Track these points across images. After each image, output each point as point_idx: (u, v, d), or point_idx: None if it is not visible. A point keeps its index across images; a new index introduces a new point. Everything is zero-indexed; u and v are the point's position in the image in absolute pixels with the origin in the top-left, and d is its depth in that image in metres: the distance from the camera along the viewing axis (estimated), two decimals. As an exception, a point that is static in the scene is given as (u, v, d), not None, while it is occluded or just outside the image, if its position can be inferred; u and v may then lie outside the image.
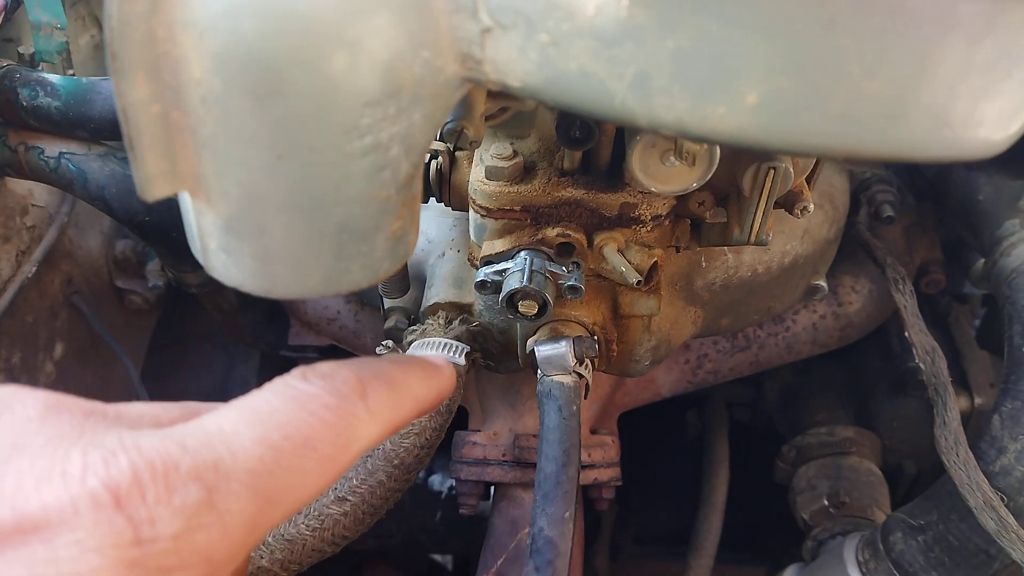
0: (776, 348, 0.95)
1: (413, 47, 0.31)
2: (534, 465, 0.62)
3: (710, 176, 0.49)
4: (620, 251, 0.57)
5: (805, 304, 0.95)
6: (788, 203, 0.58)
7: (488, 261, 0.58)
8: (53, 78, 0.72)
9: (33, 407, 0.27)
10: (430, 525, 1.11)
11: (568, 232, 0.57)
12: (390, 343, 0.66)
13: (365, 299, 0.91)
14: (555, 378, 0.58)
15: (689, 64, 0.30)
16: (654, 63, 0.30)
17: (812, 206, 0.57)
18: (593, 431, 0.89)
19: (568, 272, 0.56)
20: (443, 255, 0.71)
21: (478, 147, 0.57)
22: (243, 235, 0.33)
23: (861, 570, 0.79)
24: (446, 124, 0.44)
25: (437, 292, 0.68)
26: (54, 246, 0.88)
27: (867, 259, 0.94)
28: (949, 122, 0.33)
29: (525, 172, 0.57)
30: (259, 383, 0.31)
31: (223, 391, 1.04)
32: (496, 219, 0.57)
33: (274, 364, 1.07)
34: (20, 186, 0.85)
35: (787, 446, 1.03)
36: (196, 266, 0.93)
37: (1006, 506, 0.68)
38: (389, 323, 0.74)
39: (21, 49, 0.80)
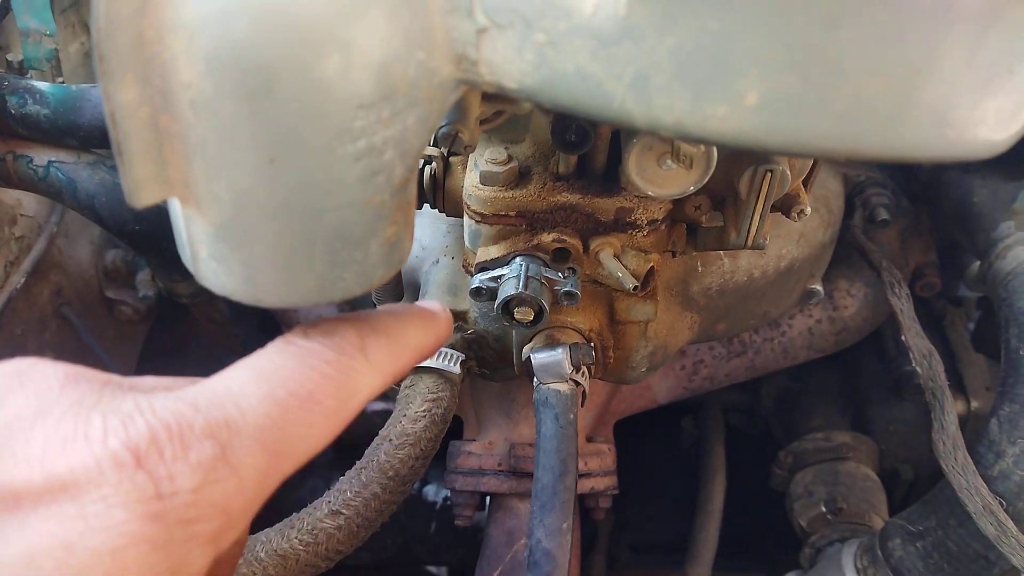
0: (772, 353, 0.95)
1: (407, 48, 0.30)
2: (530, 475, 0.61)
3: (707, 179, 0.49)
4: (616, 256, 0.57)
5: (801, 308, 0.95)
6: (785, 206, 0.58)
7: (483, 267, 0.57)
8: (42, 86, 0.72)
9: (54, 376, 0.29)
10: (425, 536, 1.10)
11: (564, 237, 0.56)
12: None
13: (358, 307, 0.90)
14: (551, 386, 0.57)
15: (689, 63, 0.30)
16: (653, 63, 0.30)
17: (809, 209, 0.57)
18: (589, 439, 0.88)
19: (564, 278, 0.56)
20: (437, 262, 0.71)
21: (472, 152, 0.57)
22: (234, 242, 0.33)
23: (860, 577, 0.78)
24: (440, 128, 0.44)
25: (431, 299, 0.67)
26: (43, 256, 0.87)
27: (862, 263, 0.94)
28: (951, 121, 0.33)
29: (520, 177, 0.56)
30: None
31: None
32: (491, 225, 0.57)
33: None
34: (9, 196, 0.84)
35: (784, 452, 1.02)
36: (187, 276, 0.92)
37: (1005, 511, 0.68)
38: (383, 331, 0.73)
39: (9, 56, 0.80)
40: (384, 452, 0.55)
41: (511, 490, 0.81)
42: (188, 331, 1.05)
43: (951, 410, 0.75)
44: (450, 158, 0.61)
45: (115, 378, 0.31)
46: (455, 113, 0.44)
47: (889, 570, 0.76)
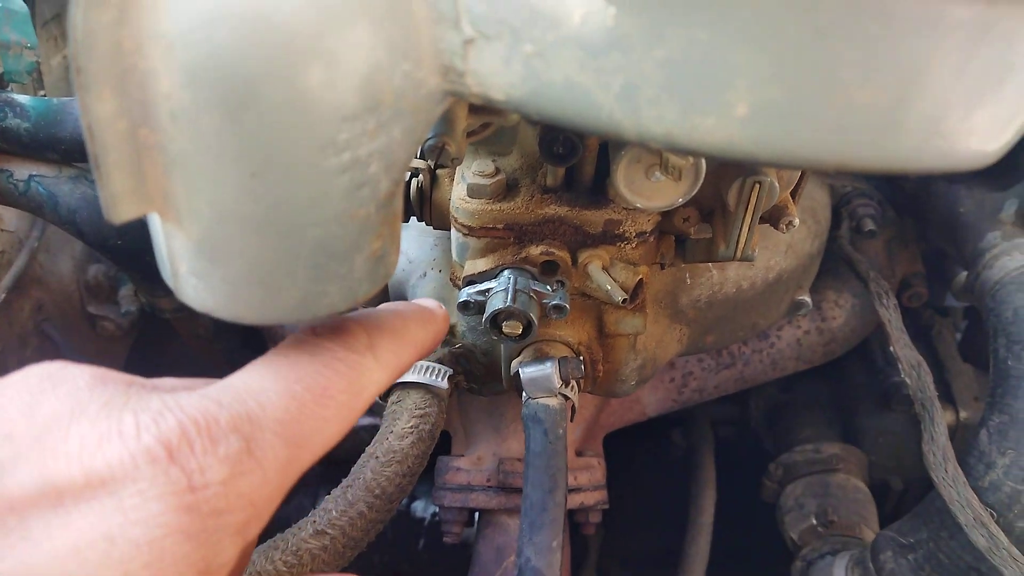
0: (761, 365, 0.95)
1: (393, 59, 0.30)
2: (519, 490, 0.60)
3: (696, 191, 0.49)
4: (605, 269, 0.56)
5: (789, 320, 0.95)
6: (773, 218, 0.58)
7: (471, 281, 0.56)
8: (22, 99, 0.70)
9: (82, 378, 0.30)
10: (413, 553, 1.08)
11: (552, 250, 0.56)
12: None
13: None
14: (540, 400, 0.57)
15: (678, 74, 0.29)
16: (642, 73, 0.29)
17: (798, 221, 0.57)
18: (579, 453, 0.87)
19: (552, 291, 0.55)
20: (424, 275, 0.70)
21: (460, 164, 0.56)
22: (215, 258, 0.32)
23: (852, 590, 0.78)
24: (427, 140, 0.43)
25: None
26: (24, 272, 0.85)
27: (850, 274, 0.94)
28: (942, 132, 0.32)
29: (508, 189, 0.56)
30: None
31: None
32: (478, 237, 0.56)
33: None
34: (-12, 210, 0.83)
35: (773, 464, 1.02)
36: (170, 291, 0.90)
37: (996, 522, 0.67)
38: (369, 346, 0.72)
39: (-11, 70, 0.79)
40: (370, 470, 0.54)
41: (500, 506, 0.80)
42: (171, 347, 1.04)
43: (941, 421, 0.74)
44: (437, 170, 0.61)
45: (138, 379, 0.32)
46: (442, 125, 0.43)
47: (881, 583, 0.75)
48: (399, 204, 0.36)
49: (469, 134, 0.48)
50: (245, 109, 0.28)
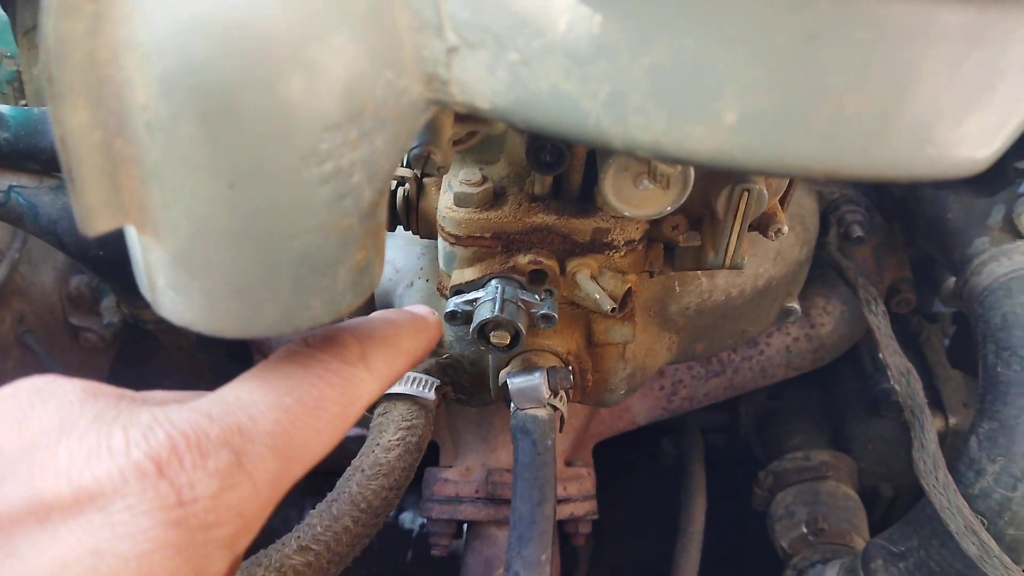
0: (750, 372, 0.95)
1: (375, 67, 0.29)
2: (508, 502, 0.59)
3: (684, 199, 0.48)
4: (593, 277, 0.56)
5: (778, 327, 0.94)
6: (762, 225, 0.57)
7: (458, 290, 0.56)
8: (2, 108, 0.69)
9: (72, 392, 0.30)
10: (401, 566, 1.07)
11: (540, 259, 0.55)
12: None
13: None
14: (529, 411, 0.56)
15: (665, 82, 0.29)
16: (629, 81, 0.29)
17: (786, 228, 0.57)
18: (568, 463, 0.87)
19: (541, 300, 0.55)
20: (411, 285, 0.69)
21: (446, 173, 0.56)
22: (193, 271, 0.31)
23: (844, 599, 0.77)
24: (412, 149, 0.43)
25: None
26: (5, 283, 0.84)
27: (838, 280, 0.94)
28: (932, 139, 0.32)
29: (495, 198, 0.55)
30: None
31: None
32: (466, 247, 0.56)
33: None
34: (-32, 222, 0.82)
35: (763, 472, 1.01)
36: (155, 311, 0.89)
37: (987, 530, 0.67)
38: (356, 357, 0.71)
39: (-32, 79, 0.78)
40: (356, 483, 0.53)
41: (489, 518, 0.79)
42: (155, 358, 1.03)
43: (931, 428, 0.74)
44: (423, 179, 0.60)
45: (128, 392, 0.32)
46: (427, 134, 0.43)
47: (872, 591, 0.75)
48: (383, 214, 0.35)
49: (455, 143, 0.47)
50: (223, 119, 0.27)
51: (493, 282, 0.55)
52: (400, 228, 0.62)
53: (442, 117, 0.43)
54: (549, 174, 0.52)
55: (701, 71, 0.29)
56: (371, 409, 0.60)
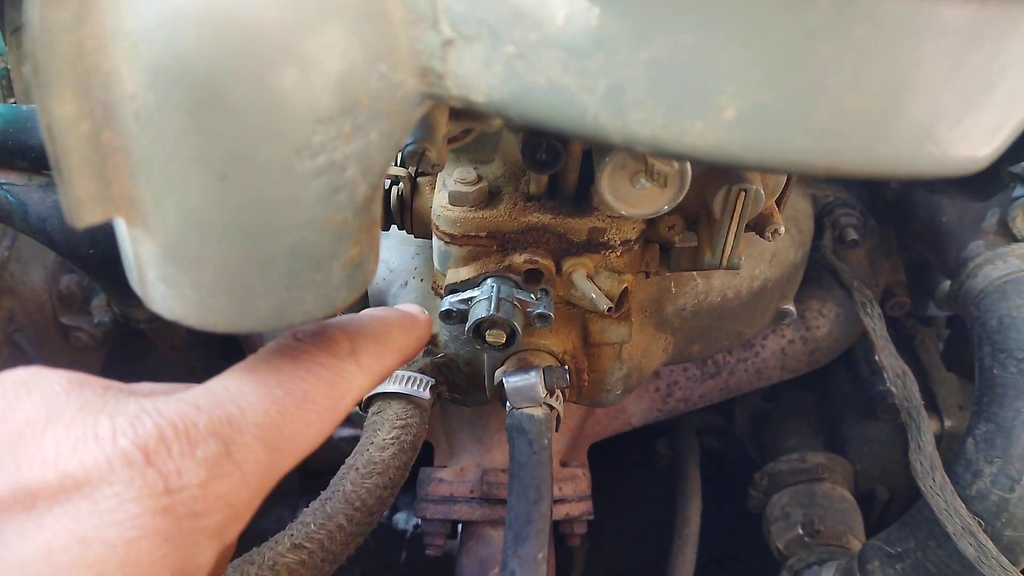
0: (746, 374, 0.94)
1: (369, 60, 0.29)
2: (503, 502, 0.59)
3: (681, 198, 0.48)
4: (590, 277, 0.56)
5: (774, 329, 0.94)
6: (759, 226, 0.57)
7: (453, 289, 0.55)
8: (-9, 105, 0.69)
9: (58, 383, 0.30)
10: (395, 566, 1.07)
11: (536, 258, 0.55)
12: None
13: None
14: (525, 411, 0.56)
15: (664, 76, 0.28)
16: (627, 75, 0.28)
17: (783, 228, 0.56)
18: (563, 463, 0.86)
19: (536, 299, 0.54)
20: (405, 284, 0.69)
21: (441, 171, 0.55)
22: (184, 264, 0.30)
23: (840, 601, 0.77)
24: (407, 146, 0.42)
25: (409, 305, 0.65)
26: (-6, 282, 0.83)
27: (833, 283, 0.94)
28: (933, 137, 0.32)
29: (490, 197, 0.55)
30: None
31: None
32: (461, 246, 0.55)
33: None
34: (-43, 219, 0.81)
35: (759, 474, 1.01)
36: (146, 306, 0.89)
37: (984, 531, 0.67)
38: (350, 356, 0.71)
39: (-41, 76, 0.77)
40: (350, 482, 0.53)
41: (484, 518, 0.79)
42: (146, 358, 1.02)
43: (927, 430, 0.74)
44: (418, 178, 0.60)
45: (115, 384, 0.32)
46: (422, 130, 0.42)
47: (868, 594, 0.75)
48: (377, 210, 0.35)
49: (450, 140, 0.47)
50: (213, 110, 0.27)
51: (488, 281, 0.55)
52: (394, 228, 0.62)
53: (437, 114, 0.43)
54: (545, 173, 0.52)
55: (700, 66, 0.28)
56: (365, 408, 0.60)
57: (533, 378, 0.57)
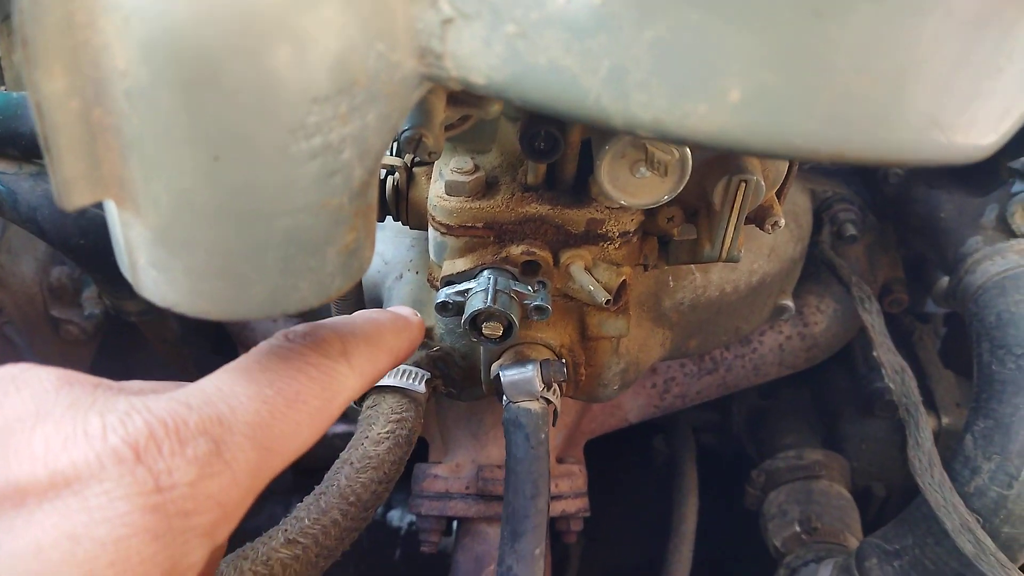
0: (743, 370, 0.94)
1: (366, 38, 0.28)
2: (499, 498, 0.58)
3: (682, 187, 0.47)
4: (588, 269, 0.55)
5: (771, 325, 0.94)
6: (759, 218, 0.56)
7: (449, 281, 0.55)
8: (-19, 93, 0.68)
9: (48, 380, 0.30)
10: (389, 564, 1.06)
11: (533, 250, 0.54)
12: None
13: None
14: (522, 404, 0.55)
15: (668, 57, 0.28)
16: (631, 56, 0.28)
17: (783, 221, 0.56)
18: (559, 460, 0.86)
19: (534, 292, 0.54)
20: (400, 277, 0.68)
21: (437, 159, 0.55)
22: (175, 248, 0.30)
23: (837, 598, 0.77)
24: (403, 132, 0.41)
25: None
26: (-16, 273, 0.82)
27: (831, 279, 0.93)
28: (939, 122, 0.31)
29: (487, 187, 0.54)
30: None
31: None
32: (457, 236, 0.54)
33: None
34: (-54, 210, 0.80)
35: (756, 471, 1.01)
36: (135, 293, 0.88)
37: (983, 527, 0.67)
38: (344, 350, 0.70)
39: (-52, 64, 0.76)
40: (345, 476, 0.52)
41: (479, 514, 0.78)
42: (138, 351, 1.01)
43: (926, 426, 0.74)
44: (414, 168, 0.59)
45: (105, 381, 0.32)
46: (419, 116, 0.42)
47: (865, 591, 0.74)
48: (374, 195, 0.34)
49: (447, 127, 0.46)
50: (206, 87, 0.26)
51: (485, 273, 0.54)
52: (389, 219, 0.61)
53: (434, 99, 0.42)
54: (543, 162, 0.51)
55: (705, 46, 0.28)
56: (359, 402, 0.59)
57: (530, 372, 0.56)
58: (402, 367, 0.59)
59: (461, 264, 0.55)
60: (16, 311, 0.87)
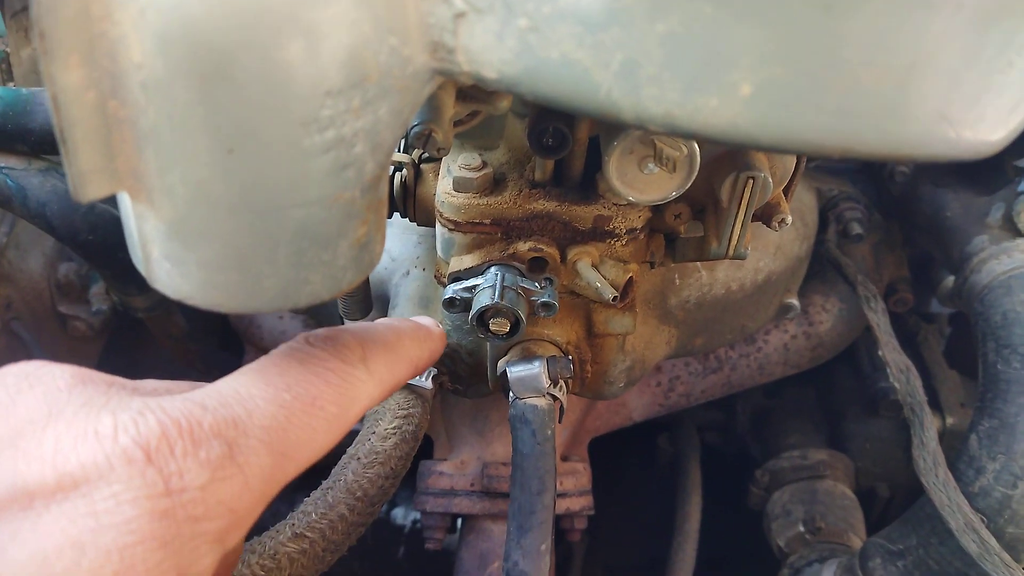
0: (748, 369, 0.94)
1: (379, 33, 0.28)
2: (504, 495, 0.58)
3: (690, 184, 0.47)
4: (595, 266, 0.55)
5: (777, 324, 0.94)
6: (766, 215, 0.56)
7: (456, 277, 0.55)
8: (-9, 89, 0.68)
9: (62, 378, 0.29)
10: (393, 561, 1.06)
11: (540, 246, 0.54)
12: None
13: (323, 321, 0.87)
14: (528, 401, 0.55)
15: (680, 51, 0.28)
16: (643, 50, 0.28)
17: (790, 218, 0.56)
18: (564, 458, 0.86)
19: (541, 288, 0.54)
20: (407, 273, 0.68)
21: (446, 155, 0.55)
22: (189, 241, 0.30)
23: (841, 597, 0.77)
24: (413, 127, 0.42)
25: (402, 312, 0.65)
26: (-8, 269, 0.83)
27: (837, 279, 0.93)
28: (948, 117, 0.31)
29: (495, 184, 0.54)
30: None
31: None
32: (465, 233, 0.55)
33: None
34: (-45, 206, 0.80)
35: (760, 471, 1.01)
36: (143, 289, 0.89)
37: (987, 527, 0.67)
38: (351, 346, 0.70)
39: (-42, 60, 0.76)
40: (352, 471, 0.52)
41: (484, 511, 0.78)
42: (145, 348, 1.01)
43: (931, 426, 0.74)
44: (421, 165, 0.59)
45: (119, 380, 0.31)
46: (428, 112, 0.42)
47: (870, 590, 0.74)
48: (384, 190, 0.35)
49: (456, 123, 0.46)
50: (220, 80, 0.26)
51: (492, 269, 0.54)
52: (396, 216, 0.61)
53: (443, 95, 0.42)
54: (551, 158, 0.51)
55: (717, 39, 0.28)
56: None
57: (537, 368, 0.56)
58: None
59: (468, 260, 0.55)
60: (24, 307, 0.88)
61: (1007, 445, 0.69)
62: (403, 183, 0.58)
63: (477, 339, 0.61)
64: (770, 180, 0.51)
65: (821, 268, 0.94)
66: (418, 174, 0.59)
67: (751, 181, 0.51)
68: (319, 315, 0.86)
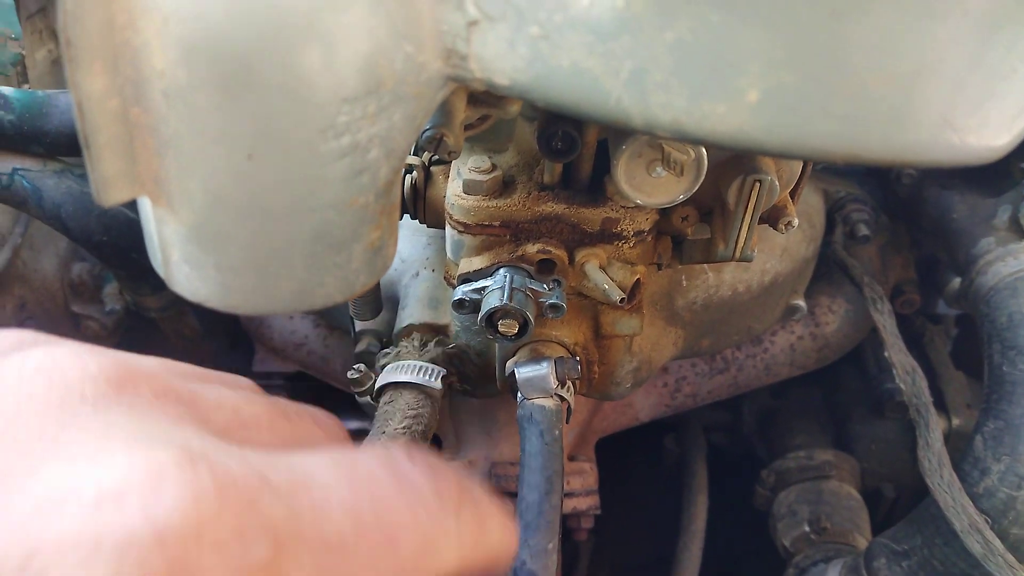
0: (755, 370, 0.94)
1: (394, 40, 0.29)
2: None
3: (697, 187, 0.48)
4: (602, 268, 0.56)
5: (783, 325, 0.94)
6: (773, 218, 0.57)
7: (466, 279, 0.55)
8: (6, 90, 0.69)
9: (87, 380, 0.22)
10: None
11: (549, 248, 0.55)
12: (362, 367, 0.63)
13: (334, 322, 0.88)
14: (536, 401, 0.56)
15: (688, 58, 0.28)
16: (652, 58, 0.29)
17: (797, 221, 0.56)
18: (571, 458, 0.86)
19: (549, 290, 0.54)
20: (417, 275, 0.69)
21: (457, 158, 0.55)
22: (208, 245, 0.31)
23: (847, 597, 0.77)
24: (424, 131, 0.42)
25: (411, 313, 0.66)
26: (6, 269, 0.83)
27: (842, 279, 0.93)
28: (953, 122, 0.32)
29: (504, 186, 0.55)
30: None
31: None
32: (474, 235, 0.55)
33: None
34: (-30, 206, 0.81)
35: (766, 471, 1.01)
36: (156, 289, 0.90)
37: (991, 528, 0.67)
38: (360, 346, 0.71)
39: (-27, 63, 0.77)
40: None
41: (491, 510, 0.79)
42: (157, 347, 1.02)
43: (936, 427, 0.74)
44: (431, 168, 0.60)
45: (173, 389, 0.24)
46: (440, 116, 0.42)
47: (875, 590, 0.75)
48: (397, 194, 0.35)
49: (467, 127, 0.47)
50: (241, 88, 0.27)
51: (501, 271, 0.55)
52: (406, 217, 0.62)
53: (455, 100, 0.43)
54: (560, 161, 0.52)
55: (725, 47, 0.28)
56: (376, 397, 0.60)
57: (545, 369, 0.57)
58: (418, 364, 0.60)
59: (478, 262, 0.56)
60: (37, 307, 0.89)
61: (1012, 446, 0.69)
62: (413, 185, 0.59)
63: (486, 340, 0.62)
64: (776, 183, 0.51)
65: (828, 269, 0.94)
66: (428, 176, 0.59)
67: (758, 184, 0.51)
68: (330, 316, 0.87)
